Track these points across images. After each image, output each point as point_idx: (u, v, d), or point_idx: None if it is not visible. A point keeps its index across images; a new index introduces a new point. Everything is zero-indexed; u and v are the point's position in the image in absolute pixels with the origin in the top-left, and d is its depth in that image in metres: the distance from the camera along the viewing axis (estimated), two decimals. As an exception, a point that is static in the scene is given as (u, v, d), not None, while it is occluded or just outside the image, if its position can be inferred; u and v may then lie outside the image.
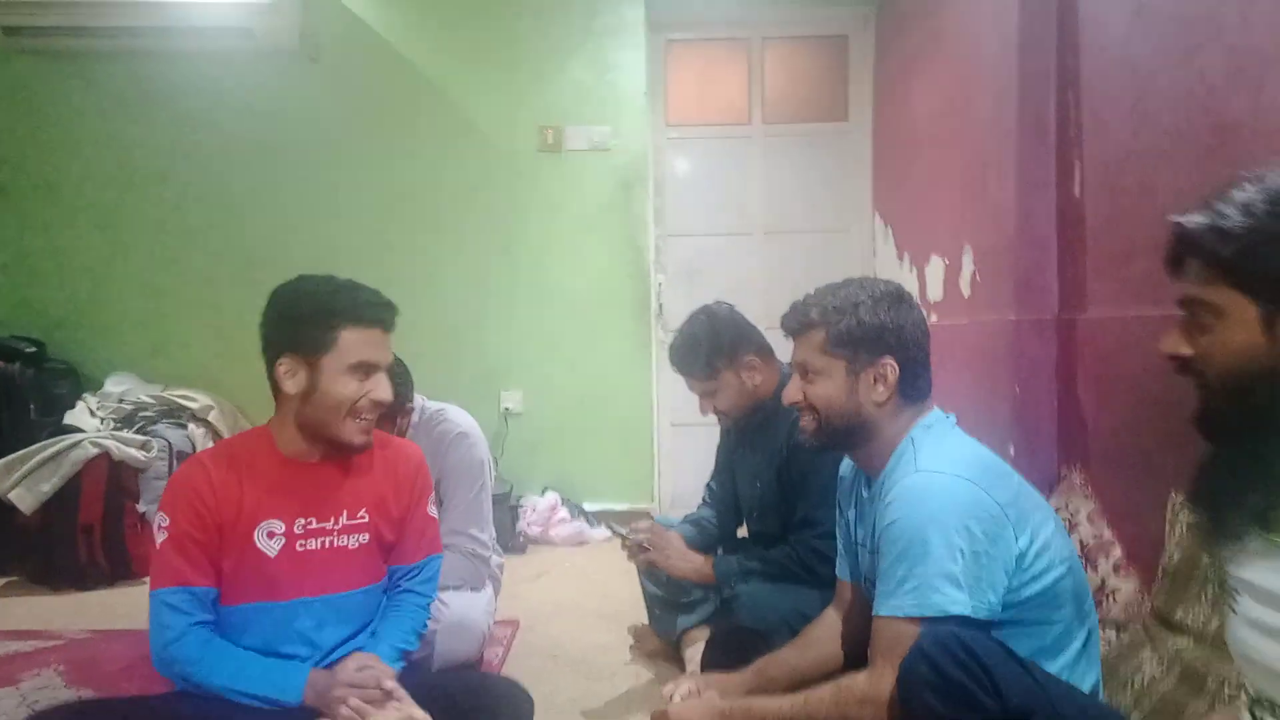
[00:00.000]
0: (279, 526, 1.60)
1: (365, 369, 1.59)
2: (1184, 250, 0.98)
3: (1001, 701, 1.10)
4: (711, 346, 2.21)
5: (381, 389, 1.61)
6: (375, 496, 1.70)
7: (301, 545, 1.62)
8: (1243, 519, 0.94)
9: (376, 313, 1.61)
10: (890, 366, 1.48)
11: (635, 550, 2.20)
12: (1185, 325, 0.98)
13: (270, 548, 1.59)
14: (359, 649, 1.64)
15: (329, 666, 1.60)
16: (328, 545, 1.64)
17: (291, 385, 1.58)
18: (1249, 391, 0.92)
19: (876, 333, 1.48)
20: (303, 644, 1.62)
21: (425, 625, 1.78)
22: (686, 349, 2.26)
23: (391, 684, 1.52)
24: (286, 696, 1.52)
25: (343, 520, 1.65)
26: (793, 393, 1.57)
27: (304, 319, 1.57)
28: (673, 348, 2.32)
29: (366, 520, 1.68)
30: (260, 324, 1.63)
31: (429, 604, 1.80)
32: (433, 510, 1.82)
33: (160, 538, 1.57)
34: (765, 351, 2.27)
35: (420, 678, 1.68)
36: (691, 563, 2.19)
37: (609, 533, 2.29)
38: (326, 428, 1.59)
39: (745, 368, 2.22)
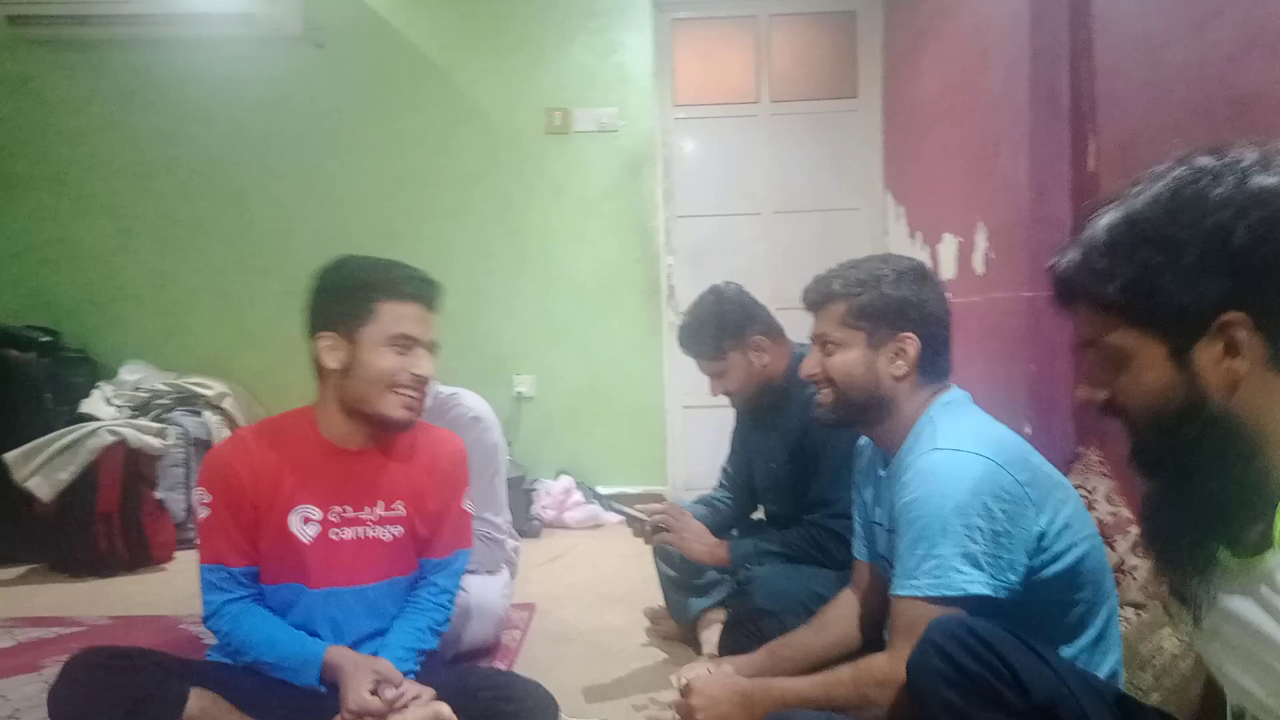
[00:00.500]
0: (315, 513, 1.60)
1: (404, 342, 1.58)
2: (1068, 294, 0.92)
3: (1026, 695, 1.06)
4: (718, 327, 2.21)
5: (422, 364, 1.60)
6: (413, 488, 1.69)
7: (335, 534, 1.62)
8: (1191, 549, 0.89)
9: (415, 287, 1.61)
10: (911, 341, 1.47)
11: (651, 531, 2.20)
12: (1095, 366, 0.92)
13: (305, 533, 1.60)
14: (375, 651, 1.63)
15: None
16: (361, 536, 1.64)
17: (332, 360, 1.58)
18: (1175, 429, 0.86)
19: (898, 306, 1.47)
20: (332, 632, 1.62)
21: (446, 622, 1.77)
22: (694, 330, 2.26)
23: (392, 693, 1.49)
24: (305, 671, 1.53)
25: (378, 511, 1.65)
26: (811, 365, 1.56)
27: (341, 293, 1.59)
28: (681, 329, 2.32)
29: (402, 513, 1.67)
30: (304, 306, 1.64)
31: (452, 599, 1.79)
32: (468, 505, 1.81)
33: (201, 514, 1.59)
34: (774, 331, 2.26)
35: (443, 675, 1.67)
36: (707, 545, 2.18)
37: (619, 516, 2.28)
38: (367, 403, 1.59)
39: (753, 348, 2.21)
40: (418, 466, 1.71)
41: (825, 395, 1.55)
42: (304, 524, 1.60)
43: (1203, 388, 0.83)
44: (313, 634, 1.61)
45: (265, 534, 1.59)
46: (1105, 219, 0.87)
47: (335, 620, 1.63)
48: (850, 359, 1.50)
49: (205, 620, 1.58)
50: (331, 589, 1.62)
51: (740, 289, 2.32)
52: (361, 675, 1.50)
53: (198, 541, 1.63)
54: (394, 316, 1.57)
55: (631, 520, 2.23)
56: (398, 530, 1.67)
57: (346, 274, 1.61)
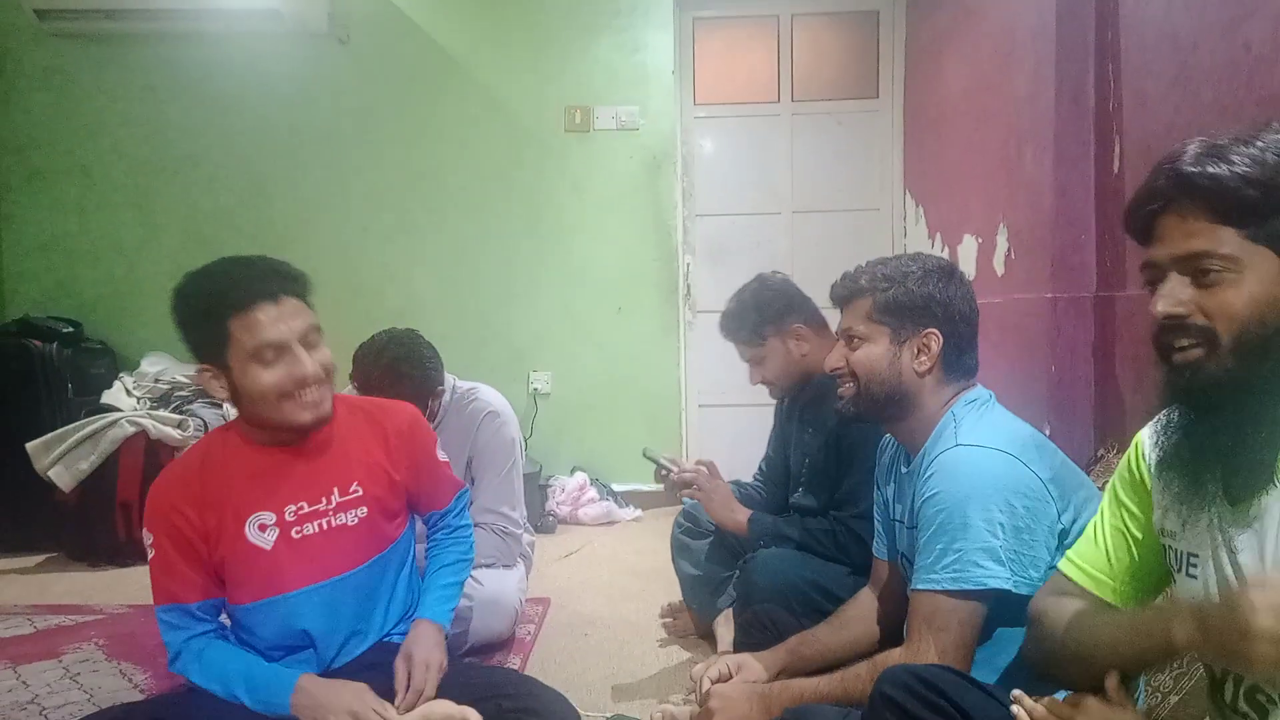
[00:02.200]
0: (269, 518, 1.55)
1: (270, 351, 1.45)
2: (1182, 199, 0.94)
3: None
4: (759, 313, 2.21)
5: (298, 364, 1.47)
6: (366, 466, 1.63)
7: (297, 532, 1.56)
8: (1228, 483, 0.93)
9: (253, 289, 1.46)
10: (934, 337, 1.47)
11: (680, 485, 2.21)
12: (1181, 281, 0.94)
13: (264, 540, 1.54)
14: (402, 619, 1.67)
15: (345, 666, 1.60)
16: (326, 527, 1.58)
17: (220, 390, 1.51)
18: (1265, 349, 0.90)
19: (924, 303, 1.48)
20: (326, 623, 1.59)
21: (471, 550, 1.81)
22: (736, 314, 2.26)
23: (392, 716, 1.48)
24: (275, 706, 1.48)
25: (335, 498, 1.59)
26: (835, 358, 1.57)
27: (191, 325, 1.49)
28: (723, 313, 2.32)
29: (361, 493, 1.61)
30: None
31: (469, 530, 1.82)
32: (441, 455, 1.79)
33: (149, 555, 1.53)
34: (816, 322, 2.25)
35: (461, 674, 1.64)
36: (732, 512, 2.17)
37: (650, 462, 2.29)
38: (270, 419, 1.51)
39: (793, 336, 2.21)
40: (366, 441, 1.65)
41: (847, 389, 1.55)
42: (261, 532, 1.54)
43: None
44: (304, 632, 1.58)
45: (226, 556, 1.54)
46: (1243, 146, 0.93)
47: (325, 612, 1.59)
48: (874, 353, 1.50)
49: (170, 665, 1.53)
50: (312, 586, 1.58)
51: (786, 279, 2.31)
52: (348, 685, 1.49)
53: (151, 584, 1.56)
54: (246, 331, 1.44)
55: (661, 471, 2.24)
56: (361, 512, 1.61)
57: (190, 300, 1.49)
